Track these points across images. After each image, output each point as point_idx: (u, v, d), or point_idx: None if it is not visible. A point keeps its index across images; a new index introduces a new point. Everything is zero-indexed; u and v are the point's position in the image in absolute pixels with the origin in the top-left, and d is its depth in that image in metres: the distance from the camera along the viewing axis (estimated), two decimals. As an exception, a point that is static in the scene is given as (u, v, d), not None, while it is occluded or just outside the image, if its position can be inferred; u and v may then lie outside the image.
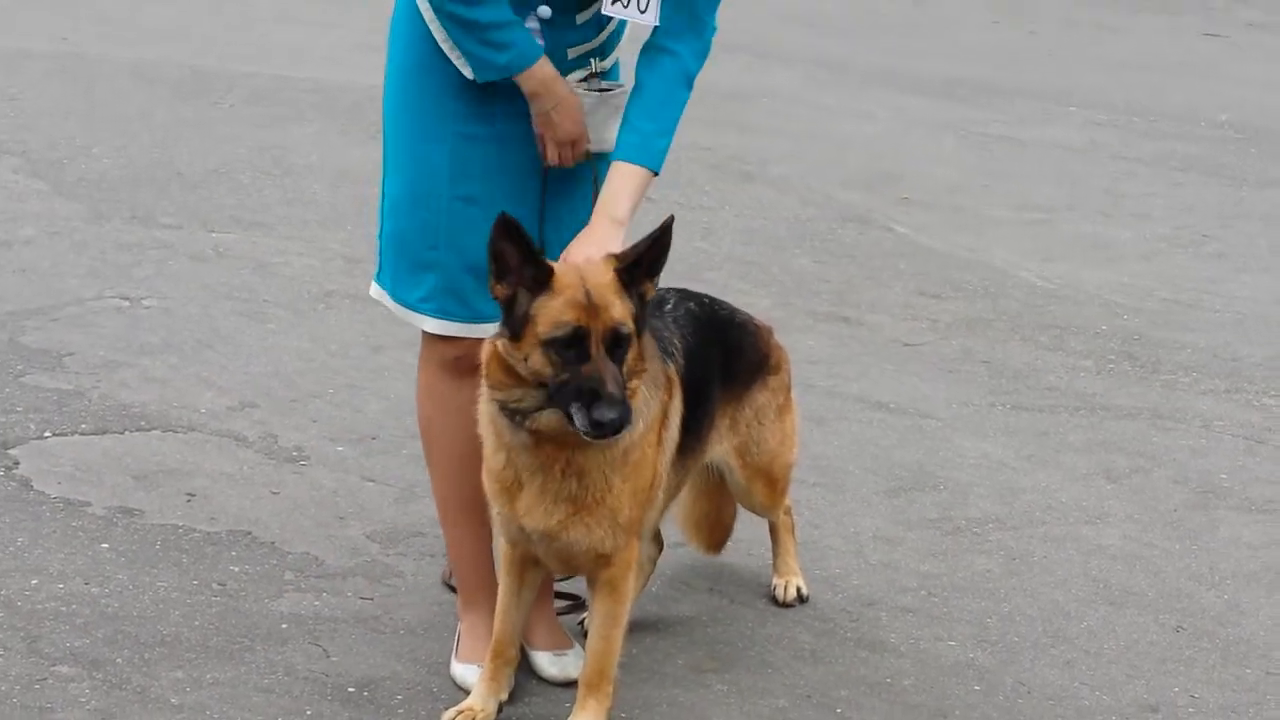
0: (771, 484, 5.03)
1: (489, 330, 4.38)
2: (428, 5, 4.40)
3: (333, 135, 9.99)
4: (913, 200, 9.80)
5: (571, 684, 4.57)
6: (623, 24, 4.53)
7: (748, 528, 5.32)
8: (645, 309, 4.19)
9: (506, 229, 4.06)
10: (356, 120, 10.09)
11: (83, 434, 5.95)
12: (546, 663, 4.72)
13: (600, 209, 4.38)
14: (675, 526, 5.23)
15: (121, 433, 5.99)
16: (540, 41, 4.39)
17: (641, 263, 4.15)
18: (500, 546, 4.50)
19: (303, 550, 5.29)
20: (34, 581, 4.99)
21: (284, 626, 4.87)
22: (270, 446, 5.97)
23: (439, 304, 4.55)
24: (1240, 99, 13.12)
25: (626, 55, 4.63)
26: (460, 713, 4.47)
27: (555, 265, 4.13)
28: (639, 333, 4.16)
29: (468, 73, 4.41)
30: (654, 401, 4.31)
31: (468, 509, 4.68)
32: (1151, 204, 10.12)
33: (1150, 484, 6.25)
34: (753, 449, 4.95)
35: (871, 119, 11.80)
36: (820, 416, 6.50)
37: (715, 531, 5.26)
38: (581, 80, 4.48)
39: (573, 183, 4.53)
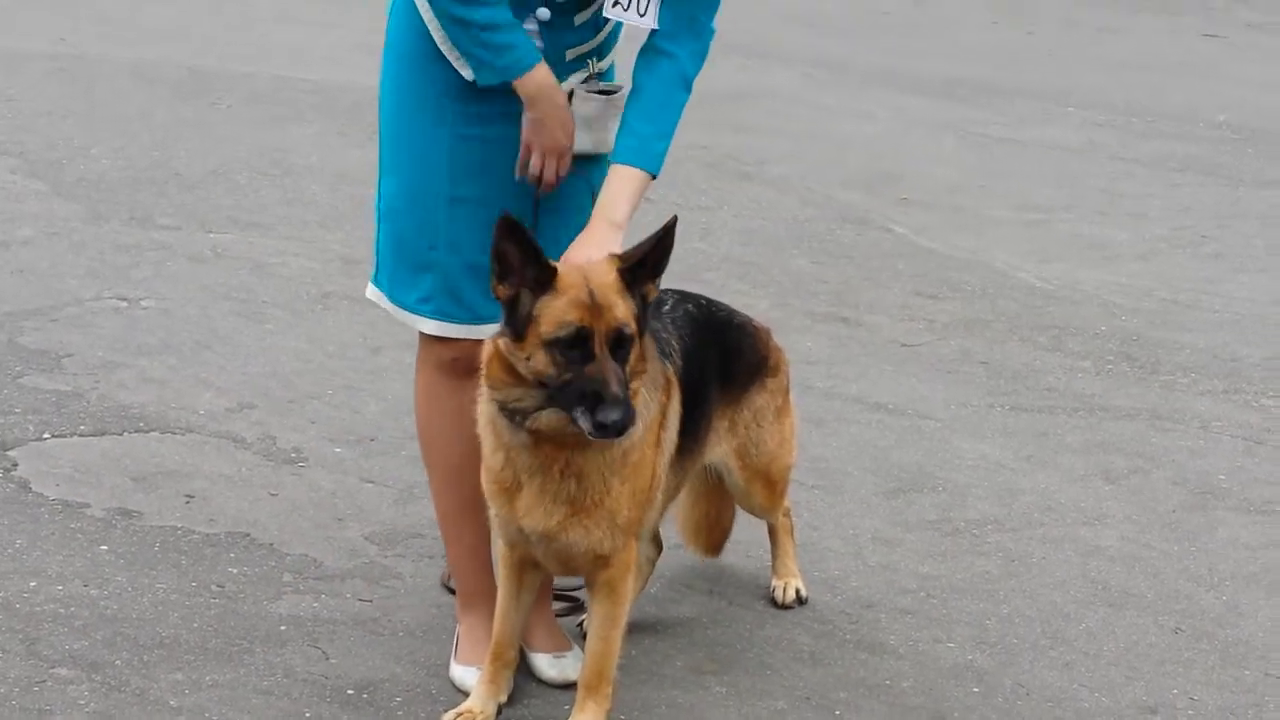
0: (770, 486, 5.03)
1: (487, 331, 4.38)
2: (427, 6, 4.40)
3: (332, 136, 9.99)
4: (911, 201, 9.80)
5: (571, 686, 4.57)
6: (619, 25, 4.53)
7: (747, 529, 5.32)
8: (648, 310, 4.19)
9: (509, 229, 4.06)
10: (356, 121, 10.08)
11: (81, 435, 5.95)
12: (546, 665, 4.72)
13: (599, 211, 4.38)
14: (674, 529, 5.23)
15: (120, 434, 5.99)
16: (539, 43, 4.39)
17: (645, 263, 4.15)
18: (499, 548, 4.50)
19: (301, 552, 5.29)
20: (33, 583, 4.99)
21: (283, 628, 4.87)
22: (269, 448, 5.97)
23: (437, 305, 4.54)
24: (1238, 99, 13.12)
25: (621, 56, 4.63)
26: (460, 715, 4.47)
27: (558, 265, 4.13)
28: (641, 333, 4.16)
29: (466, 74, 4.41)
30: (653, 403, 4.31)
31: (466, 510, 4.68)
32: (1149, 204, 10.12)
33: (1149, 485, 6.25)
34: (751, 451, 4.95)
35: (871, 119, 11.81)
36: (819, 418, 6.50)
37: (713, 534, 5.26)
38: (583, 82, 4.47)
39: (564, 201, 4.51)
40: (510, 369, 4.12)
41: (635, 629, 4.77)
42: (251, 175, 9.13)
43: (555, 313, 4.06)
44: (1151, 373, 7.36)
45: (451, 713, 4.48)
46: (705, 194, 9.51)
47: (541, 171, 4.40)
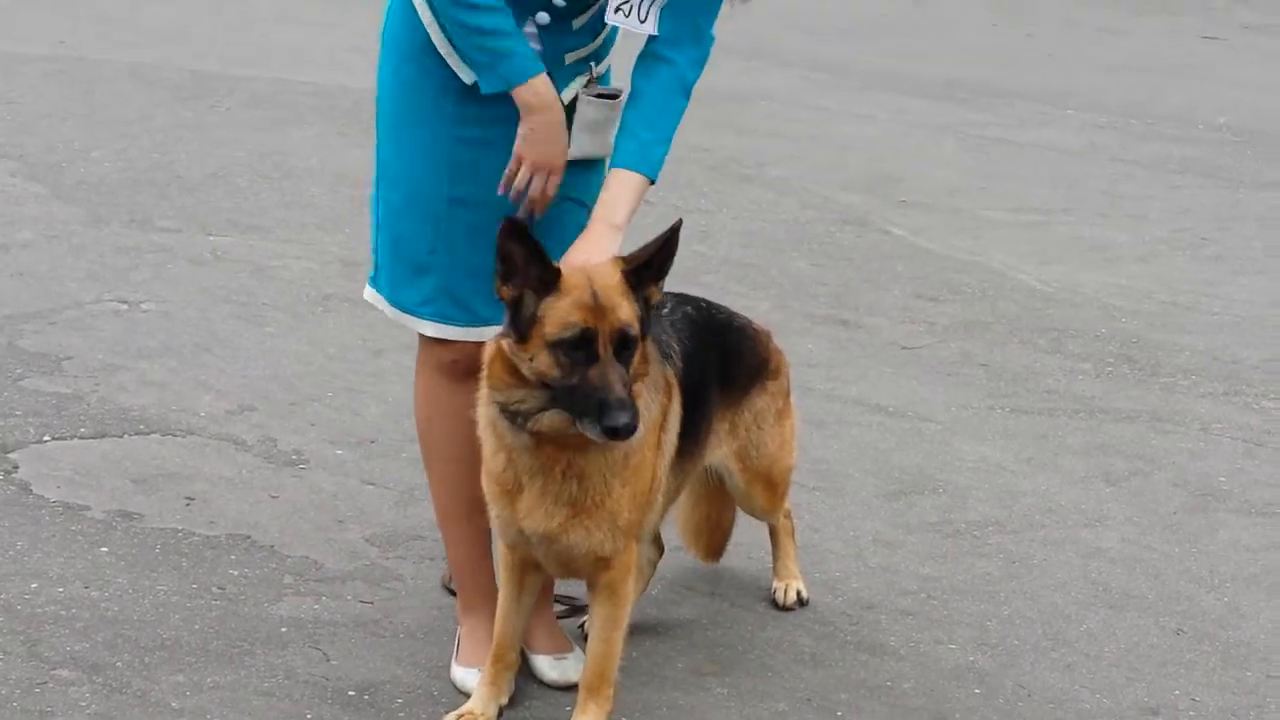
0: (771, 488, 5.03)
1: (487, 333, 4.39)
2: (426, 7, 4.40)
3: (331, 138, 9.99)
4: (911, 203, 9.80)
5: (572, 688, 4.57)
6: (616, 29, 4.53)
7: (748, 531, 5.32)
8: (651, 312, 4.19)
9: (514, 230, 4.06)
10: (355, 122, 10.08)
11: (82, 438, 5.95)
12: (547, 666, 4.71)
13: (598, 214, 4.38)
14: (675, 531, 5.24)
15: (120, 436, 5.98)
16: (537, 46, 4.39)
17: (649, 266, 4.16)
18: (500, 550, 4.50)
19: (302, 554, 5.29)
20: (34, 585, 4.99)
21: (284, 630, 4.87)
22: (269, 450, 5.97)
23: (437, 308, 4.54)
24: (1238, 101, 13.12)
25: (619, 59, 4.64)
26: (461, 716, 4.47)
27: (562, 267, 4.13)
28: (644, 335, 4.16)
29: (465, 77, 4.41)
30: (654, 405, 4.32)
31: (467, 512, 4.68)
32: (1149, 206, 10.13)
33: (1149, 487, 6.25)
34: (752, 453, 4.95)
35: (870, 121, 11.81)
36: (819, 420, 6.50)
37: (714, 537, 5.26)
38: (585, 87, 4.48)
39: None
40: (513, 370, 4.12)
41: (636, 631, 4.77)
42: (252, 178, 9.13)
43: (559, 314, 4.06)
44: (1151, 375, 7.36)
45: (453, 714, 4.48)
46: (705, 196, 9.52)
47: (528, 188, 4.36)
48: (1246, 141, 11.88)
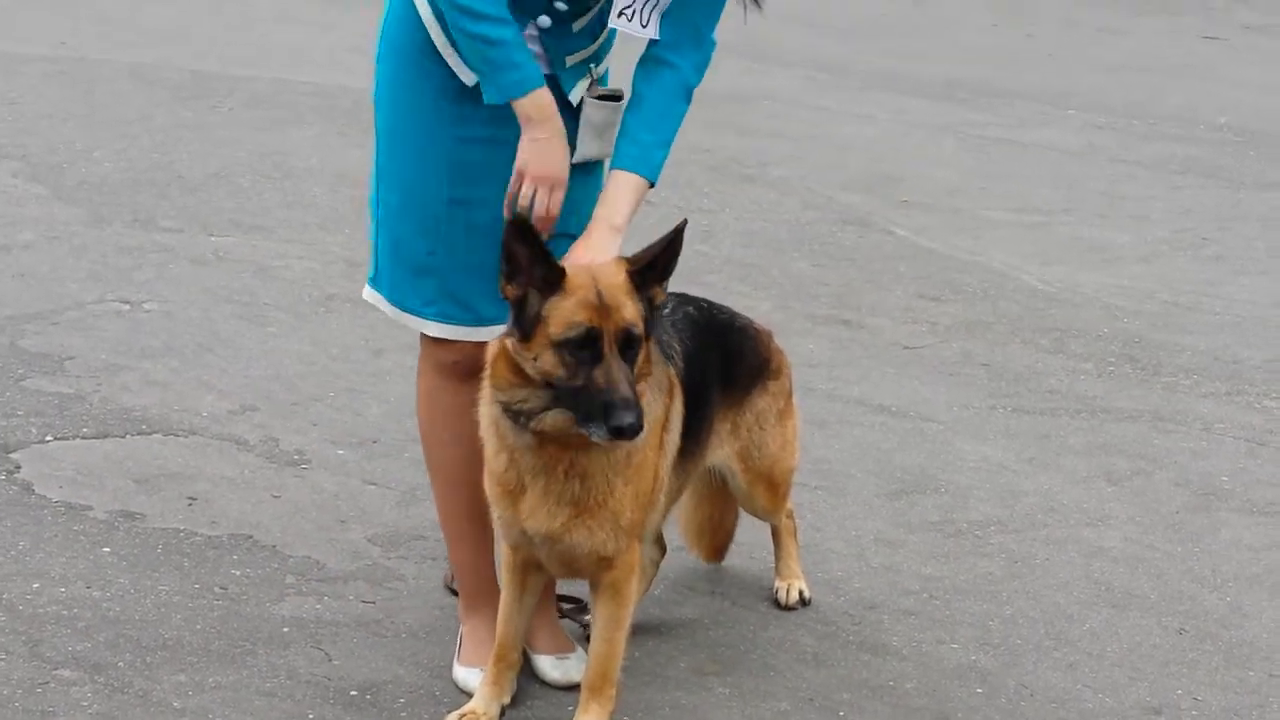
0: (773, 488, 5.02)
1: (489, 333, 4.39)
2: (427, 6, 4.40)
3: (332, 137, 9.99)
4: (912, 203, 9.80)
5: (574, 688, 4.57)
6: (614, 31, 4.54)
7: (750, 531, 5.32)
8: (655, 312, 4.19)
9: (519, 230, 4.06)
10: (355, 123, 10.07)
11: (84, 438, 5.95)
12: (549, 666, 4.71)
13: (599, 216, 4.38)
14: (677, 531, 5.23)
15: (123, 436, 5.98)
16: (536, 49, 4.39)
17: (654, 266, 4.16)
18: (502, 551, 4.50)
19: (304, 554, 5.29)
20: (35, 585, 4.99)
21: (286, 630, 4.87)
22: (271, 450, 5.97)
23: (439, 308, 4.54)
24: (1239, 101, 13.12)
25: (614, 62, 4.64)
26: (463, 716, 4.47)
27: (567, 266, 4.13)
28: (648, 335, 4.16)
29: (466, 78, 4.41)
30: (657, 405, 4.32)
31: (469, 513, 4.68)
32: (1150, 206, 10.12)
33: (1151, 486, 6.25)
34: (754, 454, 4.95)
35: (871, 121, 11.81)
36: (821, 420, 6.50)
37: (716, 537, 5.26)
38: (588, 90, 4.48)
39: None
40: (516, 370, 4.12)
41: (639, 630, 4.77)
42: (253, 178, 9.12)
43: (564, 313, 4.05)
44: (1153, 375, 7.36)
45: (455, 714, 4.48)
46: (707, 196, 9.51)
47: (532, 203, 4.33)
48: (1248, 142, 11.87)
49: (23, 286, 7.30)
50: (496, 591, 4.62)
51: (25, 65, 11.15)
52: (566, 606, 4.96)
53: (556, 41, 4.44)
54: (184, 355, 6.72)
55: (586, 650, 4.54)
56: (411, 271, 4.54)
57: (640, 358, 4.12)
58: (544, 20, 4.41)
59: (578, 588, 4.92)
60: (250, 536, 5.37)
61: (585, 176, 4.50)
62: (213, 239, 8.13)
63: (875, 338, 7.60)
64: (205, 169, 9.19)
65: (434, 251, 4.50)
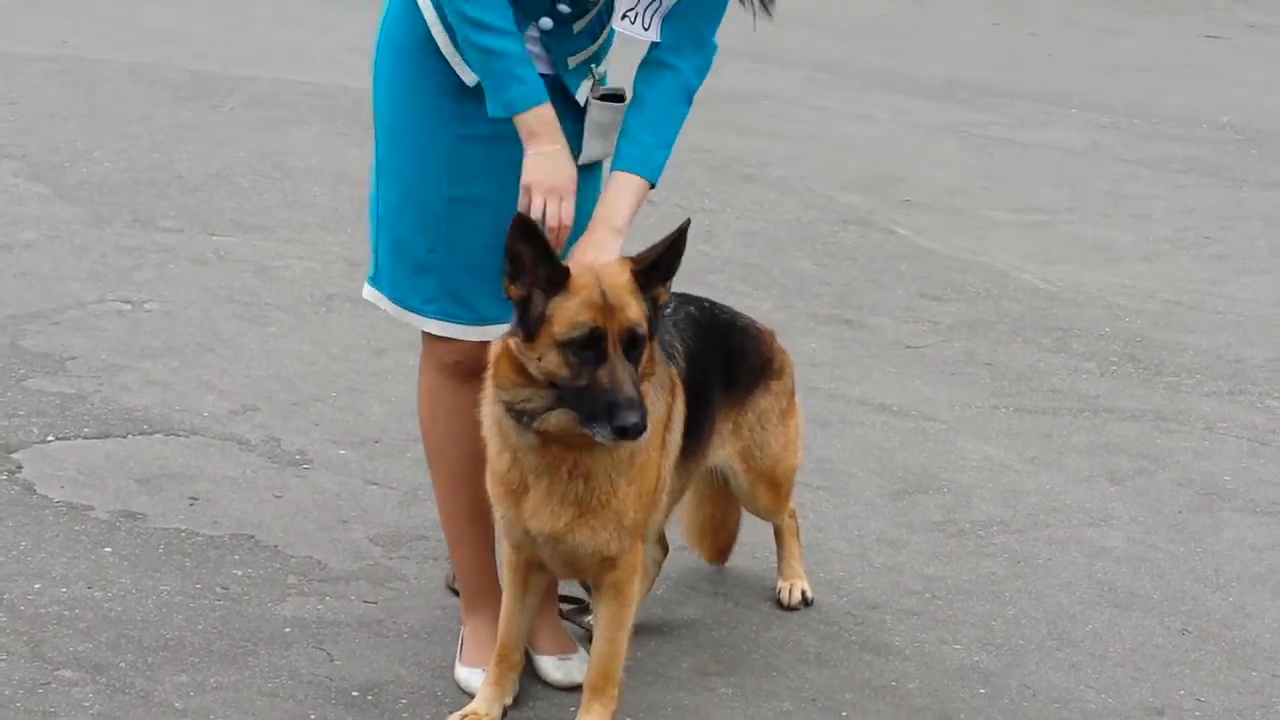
0: (775, 488, 5.02)
1: (491, 333, 4.38)
2: (430, 6, 4.39)
3: (332, 137, 9.98)
4: (914, 202, 9.80)
5: (576, 688, 4.56)
6: (613, 31, 4.55)
7: (752, 531, 5.31)
8: (658, 312, 4.19)
9: (523, 229, 4.06)
10: (355, 122, 10.07)
11: (85, 438, 5.94)
12: (551, 667, 4.71)
13: (599, 217, 4.38)
14: (679, 531, 5.23)
15: (124, 436, 5.98)
16: (539, 50, 4.39)
17: (658, 266, 4.15)
18: (504, 551, 4.49)
19: (306, 554, 5.28)
20: (37, 585, 4.98)
21: (287, 630, 4.86)
22: (273, 450, 5.96)
23: (440, 306, 4.53)
24: (1241, 100, 13.12)
25: (613, 63, 4.64)
26: (465, 717, 4.46)
27: (571, 266, 4.12)
28: (651, 335, 4.16)
29: (467, 78, 4.40)
30: (659, 404, 4.31)
31: (470, 513, 4.67)
32: (1153, 206, 10.12)
33: (1154, 486, 6.25)
34: (756, 453, 4.95)
35: (872, 121, 11.80)
36: (823, 419, 6.50)
37: (719, 538, 5.26)
38: (591, 91, 4.48)
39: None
40: (520, 369, 4.11)
41: (641, 631, 4.77)
42: (253, 178, 9.12)
43: (568, 313, 4.05)
44: (1156, 374, 7.35)
45: (456, 715, 4.47)
46: (709, 196, 9.51)
47: (544, 215, 4.31)
48: (1250, 141, 11.87)
49: (24, 286, 7.29)
50: (498, 592, 4.62)
51: (26, 65, 11.15)
52: (567, 608, 4.95)
53: (558, 43, 4.44)
54: (185, 355, 6.71)
55: (588, 651, 4.53)
56: (412, 270, 4.54)
57: (644, 357, 4.12)
58: (546, 22, 4.41)
59: (578, 588, 4.91)
60: (252, 536, 5.36)
61: (585, 177, 4.50)
62: (213, 239, 8.12)
63: (877, 337, 7.60)
64: (205, 169, 9.19)
65: (434, 249, 4.50)
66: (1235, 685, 4.98)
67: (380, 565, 5.25)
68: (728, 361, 4.82)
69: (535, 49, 4.39)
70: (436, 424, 4.69)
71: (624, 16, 4.40)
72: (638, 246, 4.27)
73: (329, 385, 6.55)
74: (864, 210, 9.54)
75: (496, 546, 4.69)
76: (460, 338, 4.54)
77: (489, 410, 4.28)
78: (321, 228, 8.41)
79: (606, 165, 4.54)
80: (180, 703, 4.48)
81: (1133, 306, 8.21)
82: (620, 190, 4.39)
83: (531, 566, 4.46)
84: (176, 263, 7.75)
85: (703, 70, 4.51)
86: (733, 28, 4.57)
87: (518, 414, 4.15)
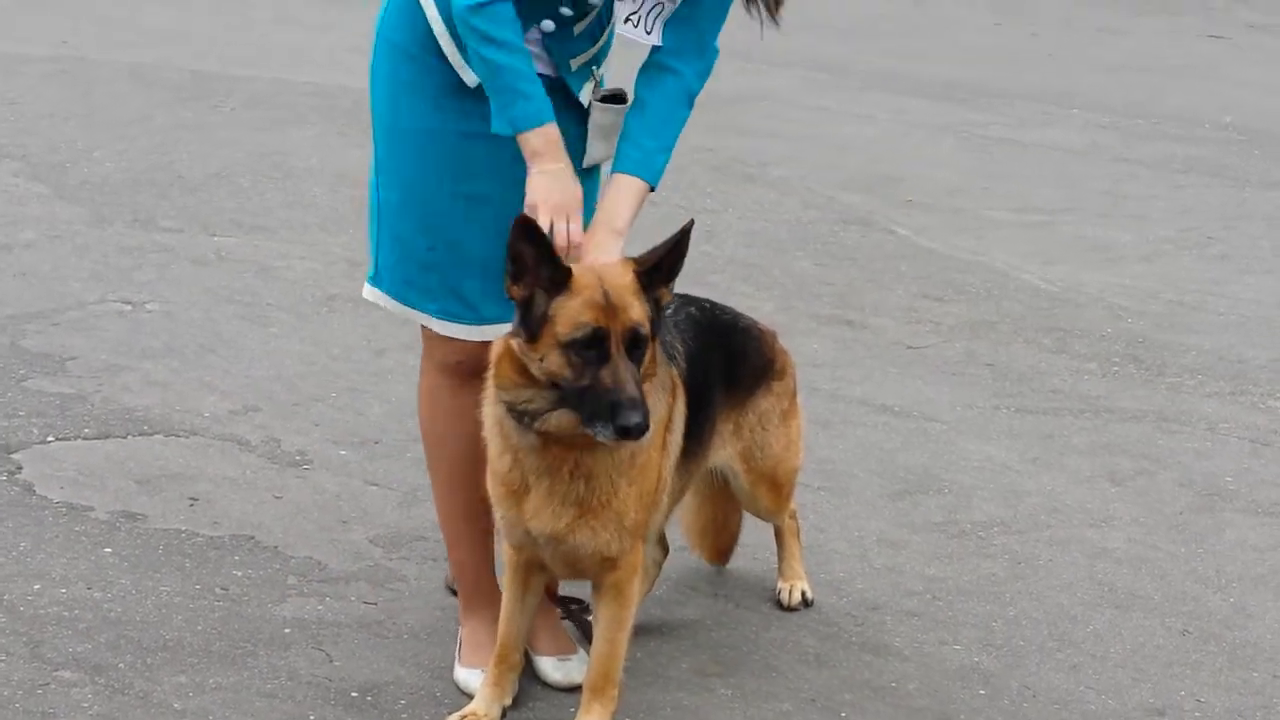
0: (776, 489, 5.01)
1: (492, 333, 4.37)
2: (433, 6, 4.38)
3: (332, 138, 9.98)
4: (914, 203, 9.79)
5: (575, 689, 4.56)
6: (613, 34, 4.56)
7: (752, 532, 5.31)
8: (661, 313, 4.19)
9: (525, 230, 4.05)
10: (355, 123, 10.06)
11: (85, 438, 5.94)
12: (550, 668, 4.70)
13: (599, 219, 4.37)
14: (679, 532, 5.22)
15: (124, 437, 5.97)
16: (540, 51, 4.39)
17: (660, 267, 4.15)
18: (504, 551, 4.49)
19: (305, 554, 5.28)
20: (36, 586, 4.98)
21: (287, 631, 4.85)
22: (273, 450, 5.96)
23: (442, 306, 4.53)
24: (1242, 101, 13.11)
25: (615, 66, 4.64)
26: (464, 717, 4.46)
27: (574, 266, 4.11)
28: (654, 336, 4.15)
29: (468, 79, 4.40)
30: (660, 405, 4.30)
31: (470, 514, 4.67)
32: (1153, 206, 10.11)
33: (1155, 487, 6.24)
34: (757, 454, 4.94)
35: (872, 121, 11.80)
36: (824, 420, 6.49)
37: (721, 538, 5.25)
38: (593, 93, 4.48)
39: None
40: (522, 370, 4.10)
41: (640, 631, 4.76)
42: (254, 178, 9.12)
43: (570, 313, 4.04)
44: (1157, 374, 7.34)
45: (455, 715, 4.47)
46: (710, 197, 9.50)
47: (551, 233, 4.29)
48: (1252, 141, 11.86)
49: (24, 286, 7.29)
50: (497, 593, 4.62)
51: (26, 65, 11.15)
52: (574, 608, 4.94)
53: (560, 45, 4.44)
54: (185, 355, 6.71)
55: (588, 651, 4.53)
56: (414, 269, 4.54)
57: (646, 358, 4.11)
58: (547, 24, 4.41)
59: (577, 588, 4.90)
60: (252, 537, 5.36)
61: (584, 179, 4.49)
62: (214, 239, 8.12)
63: (878, 338, 7.59)
64: (206, 169, 9.19)
65: (435, 248, 4.49)
66: (1236, 686, 4.98)
67: (380, 566, 5.25)
68: (729, 362, 4.82)
69: (537, 51, 4.39)
70: (436, 424, 4.69)
71: (626, 20, 4.42)
72: (639, 247, 4.26)
73: (329, 385, 6.54)
74: (864, 210, 9.54)
75: (495, 547, 4.68)
76: (462, 337, 4.54)
77: (490, 411, 4.28)
78: (322, 228, 8.41)
79: (605, 166, 4.55)
80: (179, 703, 4.47)
81: (1134, 307, 8.20)
82: (621, 193, 4.39)
83: (532, 567, 4.45)
84: (177, 263, 7.74)
85: (704, 74, 4.51)
86: (734, 28, 4.57)
87: (519, 414, 4.15)
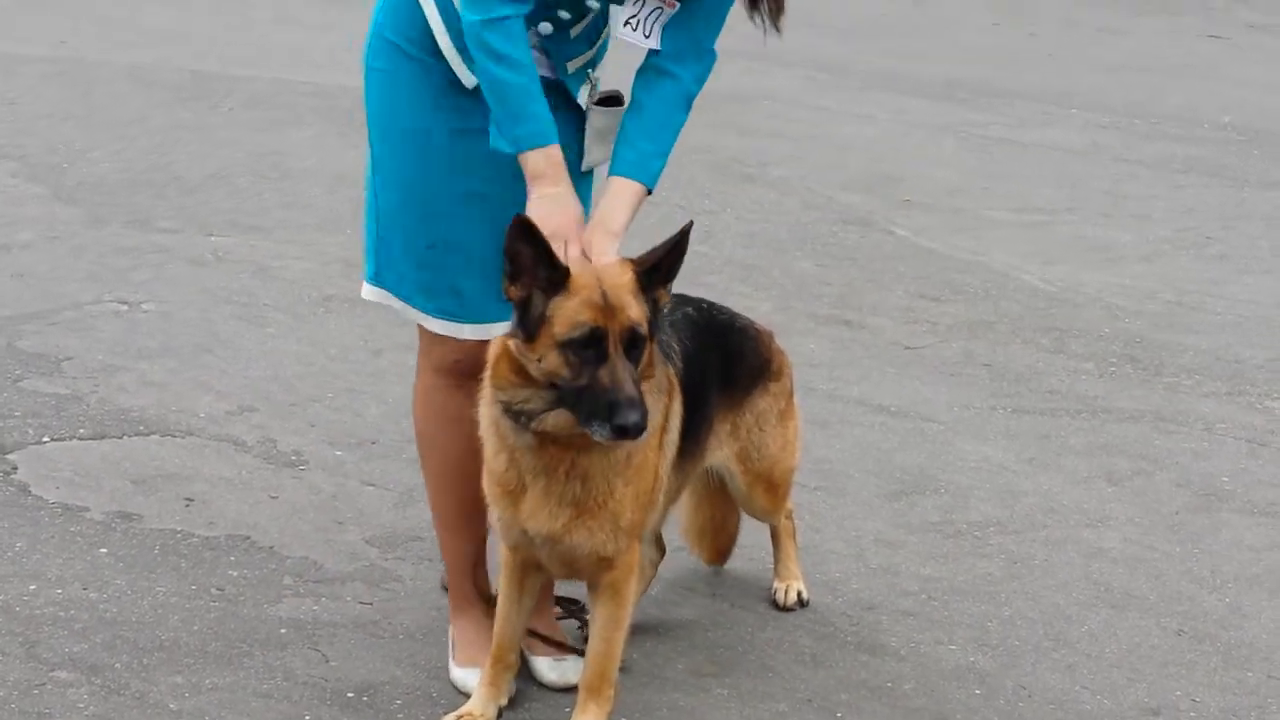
0: (772, 489, 5.01)
1: (491, 332, 4.37)
2: (434, 10, 4.39)
3: (331, 138, 9.98)
4: (913, 203, 9.79)
5: (571, 689, 4.56)
6: (608, 37, 4.56)
7: (748, 532, 5.31)
8: (659, 313, 4.18)
9: (522, 230, 4.05)
10: (354, 122, 10.00)
11: (81, 439, 5.94)
12: (546, 668, 4.70)
13: (596, 222, 4.37)
14: (676, 532, 5.22)
15: (120, 437, 5.97)
16: (537, 55, 4.39)
17: (659, 268, 4.15)
18: (501, 551, 4.49)
19: (301, 555, 5.28)
20: (32, 586, 4.98)
21: (283, 631, 4.85)
22: (269, 451, 5.96)
23: (440, 304, 4.53)
24: (1241, 100, 13.11)
25: (612, 69, 4.64)
26: (460, 717, 4.45)
27: (571, 266, 4.11)
28: (652, 336, 4.15)
29: (466, 81, 4.39)
30: (657, 405, 4.30)
31: (462, 513, 4.67)
32: (1153, 206, 10.11)
33: (1152, 487, 6.24)
34: (753, 455, 4.94)
35: (871, 121, 11.80)
36: (822, 420, 6.49)
37: (719, 539, 5.25)
38: (590, 96, 4.49)
39: None
40: (519, 370, 4.10)
41: (637, 631, 4.76)
42: (251, 178, 9.12)
43: (568, 313, 4.04)
44: (1155, 375, 7.34)
45: (452, 715, 4.47)
46: (709, 197, 9.51)
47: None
48: (1251, 141, 11.86)
49: (21, 287, 7.29)
50: (487, 592, 4.63)
51: (24, 65, 11.16)
52: (570, 608, 4.94)
53: (557, 47, 4.44)
54: (182, 356, 6.71)
55: (583, 652, 4.53)
56: (411, 267, 4.54)
57: (644, 358, 4.11)
58: (545, 27, 4.41)
59: (574, 588, 4.91)
60: (248, 537, 5.36)
61: (578, 181, 4.49)
62: (211, 239, 8.12)
63: (876, 338, 7.59)
64: (203, 169, 9.19)
65: (434, 247, 4.49)
66: (1231, 686, 4.97)
67: (376, 566, 5.25)
68: (726, 362, 4.82)
69: (535, 54, 4.38)
70: (432, 424, 4.69)
71: (625, 24, 4.41)
72: (637, 247, 4.26)
73: (326, 386, 6.54)
74: (863, 210, 9.54)
75: (490, 548, 4.69)
76: (459, 336, 4.54)
77: (486, 411, 4.28)
78: (319, 228, 8.41)
79: (600, 169, 4.55)
80: (175, 704, 4.47)
81: (1132, 307, 8.20)
82: (618, 196, 4.39)
83: (528, 567, 4.45)
84: (174, 263, 7.75)
85: (702, 78, 4.51)
86: (734, 27, 4.57)
87: (516, 414, 4.15)
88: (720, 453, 4.87)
